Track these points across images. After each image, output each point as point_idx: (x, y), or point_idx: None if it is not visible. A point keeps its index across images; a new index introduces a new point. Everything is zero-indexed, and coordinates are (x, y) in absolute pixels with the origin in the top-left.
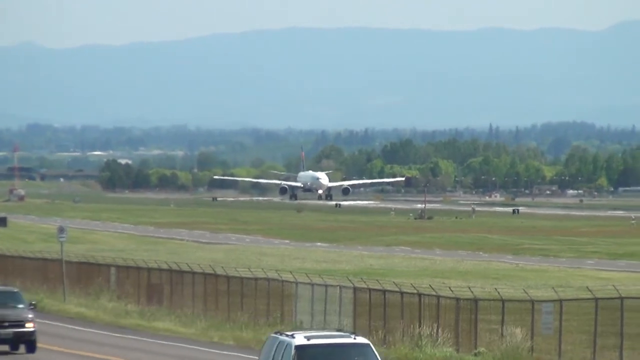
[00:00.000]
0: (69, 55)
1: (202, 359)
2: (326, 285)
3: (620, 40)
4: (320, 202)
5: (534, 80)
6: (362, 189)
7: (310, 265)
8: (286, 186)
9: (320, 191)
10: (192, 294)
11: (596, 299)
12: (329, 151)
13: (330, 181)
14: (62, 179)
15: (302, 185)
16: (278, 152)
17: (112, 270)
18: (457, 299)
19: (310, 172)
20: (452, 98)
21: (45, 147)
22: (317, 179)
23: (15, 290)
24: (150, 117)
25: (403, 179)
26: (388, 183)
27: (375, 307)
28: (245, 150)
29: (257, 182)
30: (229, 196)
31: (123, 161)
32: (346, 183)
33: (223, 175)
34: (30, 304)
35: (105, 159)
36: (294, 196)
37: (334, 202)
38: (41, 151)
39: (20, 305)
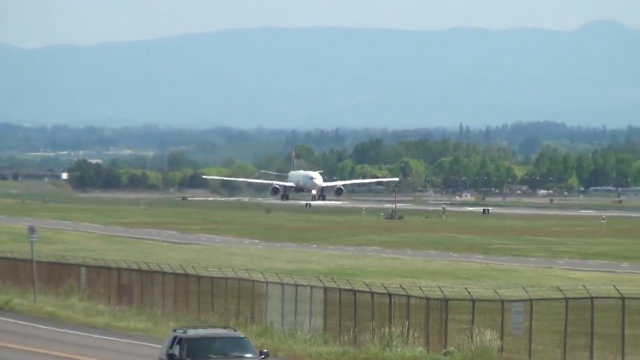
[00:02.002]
0: (39, 55)
1: None
2: (297, 285)
3: (590, 40)
4: (294, 202)
5: (505, 79)
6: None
7: (281, 265)
8: (278, 186)
9: (313, 191)
10: (162, 294)
11: (566, 299)
12: (300, 151)
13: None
14: (46, 179)
15: (294, 185)
16: (249, 151)
17: (83, 270)
18: (428, 299)
19: (302, 171)
20: (423, 98)
21: (16, 147)
22: (311, 178)
23: (242, 336)
24: (120, 116)
25: (397, 179)
26: (381, 183)
27: (346, 307)
28: (215, 149)
29: (250, 182)
30: (199, 196)
31: (94, 161)
32: (339, 183)
33: (211, 175)
34: (262, 353)
35: (75, 159)
36: (285, 196)
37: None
38: (11, 151)
39: (249, 355)
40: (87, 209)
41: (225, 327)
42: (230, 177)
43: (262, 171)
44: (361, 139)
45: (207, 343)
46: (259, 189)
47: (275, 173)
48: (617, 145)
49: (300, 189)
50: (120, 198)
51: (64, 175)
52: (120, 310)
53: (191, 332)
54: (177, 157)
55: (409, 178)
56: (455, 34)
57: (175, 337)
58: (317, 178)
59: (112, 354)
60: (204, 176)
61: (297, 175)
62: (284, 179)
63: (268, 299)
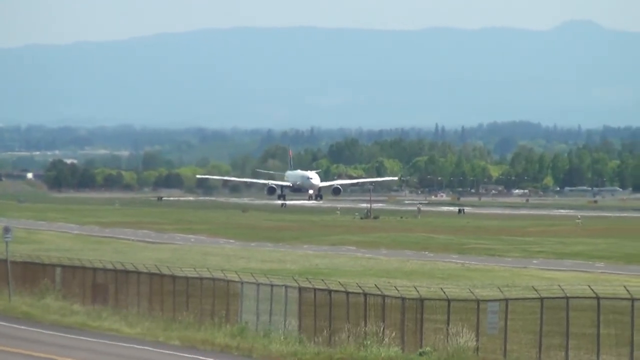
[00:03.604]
0: (13, 54)
1: (147, 358)
2: (272, 285)
3: (566, 40)
4: (282, 201)
5: (480, 79)
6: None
7: (256, 265)
8: (274, 186)
9: (311, 191)
10: (137, 294)
11: (542, 299)
12: (275, 150)
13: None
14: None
15: (291, 185)
16: (224, 151)
17: (58, 270)
18: (403, 299)
19: (300, 171)
20: (398, 98)
21: None
22: (308, 178)
23: None
24: (96, 116)
25: (396, 178)
26: (380, 182)
27: (321, 307)
28: (191, 149)
29: (243, 182)
30: (174, 195)
31: (69, 161)
32: (337, 182)
33: (201, 175)
34: None
35: (50, 159)
36: (282, 196)
37: (280, 202)
38: None
39: None
40: (62, 208)
41: None
42: (205, 176)
43: (258, 170)
44: (336, 139)
45: None
46: (259, 189)
47: (272, 172)
48: (592, 145)
49: (298, 189)
50: (96, 198)
51: (29, 175)
52: (95, 310)
53: None
54: (152, 157)
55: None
56: (431, 34)
57: None
58: (315, 178)
59: (88, 354)
60: (199, 176)
61: (294, 175)
62: (281, 178)
63: (243, 298)
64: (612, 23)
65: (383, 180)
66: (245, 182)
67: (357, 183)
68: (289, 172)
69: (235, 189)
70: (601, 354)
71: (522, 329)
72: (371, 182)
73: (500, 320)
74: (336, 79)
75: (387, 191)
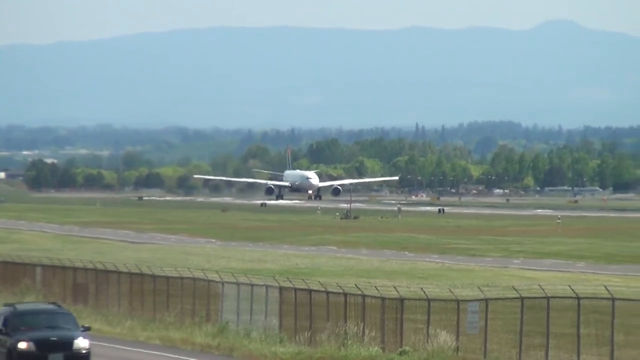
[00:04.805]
0: None
1: (128, 358)
2: (252, 285)
3: (547, 40)
4: (280, 201)
5: (460, 79)
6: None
7: (236, 265)
8: (272, 186)
9: (310, 191)
10: (118, 294)
11: (522, 298)
12: (255, 150)
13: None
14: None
15: (289, 185)
16: (205, 151)
17: (38, 269)
18: (383, 298)
19: (299, 171)
20: (379, 97)
21: None
22: (308, 178)
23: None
24: (76, 116)
25: (397, 178)
26: (380, 182)
27: (301, 307)
28: (171, 149)
29: (235, 182)
30: (154, 195)
31: (49, 161)
32: (336, 183)
33: (201, 175)
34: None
35: (30, 159)
36: (280, 197)
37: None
38: None
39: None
40: (42, 208)
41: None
42: (186, 177)
43: (256, 170)
44: (316, 139)
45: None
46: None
47: (271, 172)
48: (573, 145)
49: (296, 189)
50: (76, 198)
51: (1, 175)
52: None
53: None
54: (133, 157)
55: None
56: (410, 33)
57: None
58: (314, 178)
59: None
60: (197, 176)
61: (293, 175)
62: (279, 178)
63: (224, 298)
64: (593, 23)
65: (384, 180)
66: (247, 182)
67: (358, 183)
68: (287, 172)
69: (216, 188)
70: (581, 354)
71: (502, 328)
72: (369, 183)
73: (481, 320)
74: (317, 79)
75: (368, 191)
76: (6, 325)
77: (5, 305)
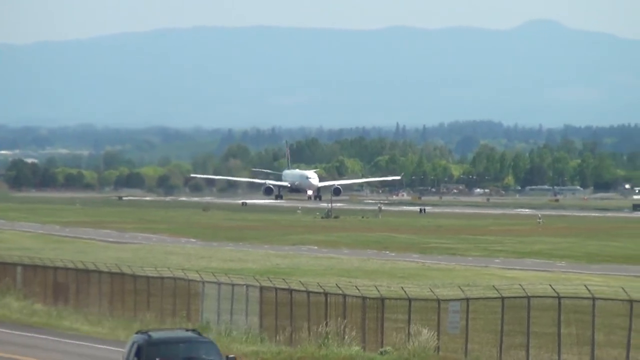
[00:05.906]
0: None
1: (109, 357)
2: (233, 285)
3: (528, 39)
4: (278, 201)
5: (441, 78)
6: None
7: (217, 264)
8: (271, 186)
9: (309, 191)
10: (98, 293)
11: (503, 298)
12: (236, 150)
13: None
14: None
15: (289, 185)
16: (186, 151)
17: (19, 269)
18: (364, 298)
19: (298, 170)
20: (359, 97)
21: None
22: (307, 178)
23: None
24: (57, 116)
25: (399, 177)
26: (382, 182)
27: (282, 306)
28: (152, 149)
29: (235, 181)
30: (135, 195)
31: (30, 160)
32: (337, 183)
33: (200, 175)
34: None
35: (11, 158)
36: (279, 196)
37: (241, 201)
38: None
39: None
40: (23, 208)
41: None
42: (166, 176)
43: (255, 170)
44: (297, 138)
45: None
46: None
47: (270, 172)
48: (553, 144)
49: (296, 189)
50: (56, 197)
51: None
52: (57, 310)
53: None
54: (113, 157)
55: (344, 177)
56: (391, 33)
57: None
58: (313, 178)
59: (49, 353)
60: (193, 175)
61: (292, 174)
62: (279, 178)
63: (204, 298)
64: (575, 22)
65: (384, 180)
66: (247, 181)
67: (358, 183)
68: (286, 172)
69: (196, 188)
70: (562, 353)
71: (483, 328)
72: (371, 182)
73: (462, 319)
74: (297, 79)
75: (349, 191)
76: (139, 355)
77: (138, 332)
